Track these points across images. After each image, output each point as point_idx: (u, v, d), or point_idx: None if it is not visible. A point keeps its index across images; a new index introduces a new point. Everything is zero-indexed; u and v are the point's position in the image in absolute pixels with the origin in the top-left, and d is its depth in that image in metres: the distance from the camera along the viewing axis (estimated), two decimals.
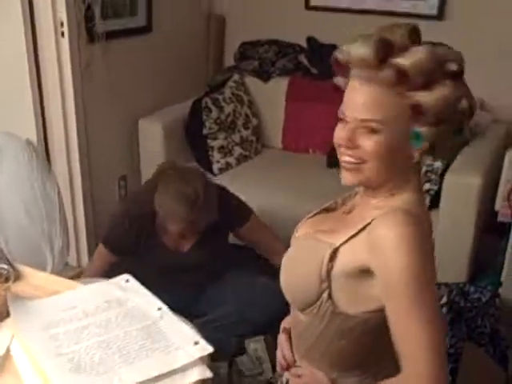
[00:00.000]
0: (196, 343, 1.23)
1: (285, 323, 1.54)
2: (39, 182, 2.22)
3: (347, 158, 1.26)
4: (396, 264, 1.15)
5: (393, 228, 1.17)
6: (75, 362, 1.19)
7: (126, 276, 1.48)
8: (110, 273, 2.37)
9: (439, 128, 1.22)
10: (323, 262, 1.25)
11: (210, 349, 1.22)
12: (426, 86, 1.19)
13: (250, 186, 3.22)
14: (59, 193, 2.27)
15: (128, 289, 1.43)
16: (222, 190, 2.62)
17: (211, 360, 2.36)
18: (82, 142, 3.18)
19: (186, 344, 1.23)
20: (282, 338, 1.51)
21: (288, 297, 1.38)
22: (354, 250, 1.23)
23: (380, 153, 1.22)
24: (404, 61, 1.17)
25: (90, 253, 3.36)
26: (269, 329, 2.47)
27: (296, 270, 1.35)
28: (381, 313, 1.21)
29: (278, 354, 1.51)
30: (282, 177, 3.37)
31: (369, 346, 1.30)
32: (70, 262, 3.35)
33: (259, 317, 2.52)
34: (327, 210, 1.48)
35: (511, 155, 2.85)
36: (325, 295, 1.27)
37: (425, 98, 1.18)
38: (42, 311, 1.35)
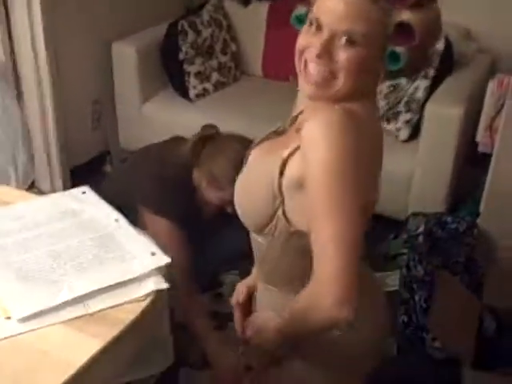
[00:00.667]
0: (153, 254, 1.17)
1: (238, 294, 1.41)
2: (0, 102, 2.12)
3: (318, 71, 1.15)
4: (313, 158, 1.08)
5: (319, 122, 1.09)
6: (23, 271, 1.12)
7: (83, 188, 1.40)
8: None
9: (417, 50, 1.14)
10: (274, 176, 1.17)
11: (166, 259, 1.15)
12: (415, 5, 1.11)
13: (227, 114, 3.13)
14: (21, 109, 2.17)
15: (84, 200, 1.35)
16: None
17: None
18: (52, 65, 3.05)
19: (142, 254, 1.16)
20: (235, 314, 1.39)
21: (244, 220, 1.29)
22: (297, 160, 1.14)
23: (355, 68, 1.13)
24: None
25: (64, 179, 3.28)
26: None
27: (249, 191, 1.27)
28: None
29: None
30: (260, 104, 3.26)
31: None
32: (44, 188, 3.27)
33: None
34: (278, 134, 1.37)
35: (494, 85, 2.78)
36: (279, 213, 1.19)
37: (413, 17, 1.11)
38: None
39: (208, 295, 2.47)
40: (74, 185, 3.21)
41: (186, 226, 2.12)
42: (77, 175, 3.30)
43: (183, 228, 2.11)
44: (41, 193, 3.16)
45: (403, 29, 1.11)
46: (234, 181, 1.79)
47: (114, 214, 1.29)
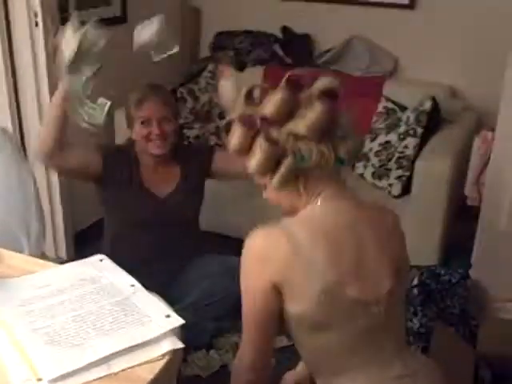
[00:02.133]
0: (167, 316, 1.28)
1: None
2: (15, 170, 2.24)
3: None
4: None
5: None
6: (50, 336, 1.22)
7: (100, 256, 1.52)
8: None
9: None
10: None
11: (180, 321, 1.26)
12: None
13: None
14: (35, 181, 2.29)
15: (102, 267, 1.46)
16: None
17: (190, 351, 2.46)
18: None
19: (157, 316, 1.27)
20: None
21: None
22: None
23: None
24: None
25: (68, 243, 3.38)
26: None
27: None
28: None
29: None
30: None
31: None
32: (48, 252, 3.36)
33: (233, 296, 2.55)
34: None
35: (479, 142, 2.93)
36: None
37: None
38: (18, 289, 1.38)
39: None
40: (78, 249, 3.33)
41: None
42: (81, 239, 3.41)
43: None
44: (48, 259, 3.26)
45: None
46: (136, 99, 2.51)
47: (130, 280, 1.40)
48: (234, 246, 2.78)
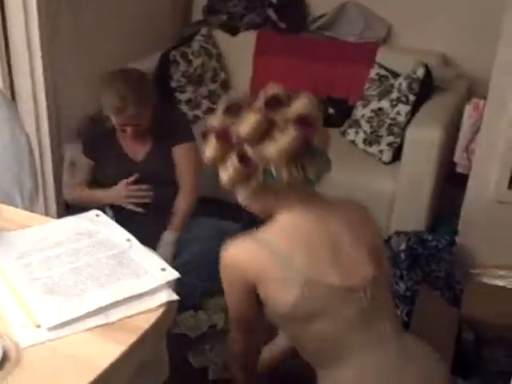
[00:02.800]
0: (163, 269, 1.31)
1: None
2: (8, 127, 2.24)
3: None
4: None
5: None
6: (49, 286, 1.25)
7: (96, 211, 1.54)
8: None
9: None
10: None
11: (176, 274, 1.29)
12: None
13: None
14: (28, 138, 2.29)
15: (98, 222, 1.49)
16: (171, 105, 3.07)
17: (178, 311, 2.50)
18: (49, 98, 3.16)
19: (153, 269, 1.30)
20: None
21: None
22: None
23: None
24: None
25: (58, 201, 3.38)
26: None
27: None
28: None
29: None
30: None
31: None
32: (38, 209, 3.37)
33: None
34: None
35: (470, 109, 2.95)
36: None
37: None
38: (15, 242, 1.40)
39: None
40: (69, 212, 3.35)
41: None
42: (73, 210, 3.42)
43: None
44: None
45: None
46: (111, 106, 2.62)
47: (126, 235, 1.43)
48: (228, 211, 2.84)
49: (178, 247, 2.64)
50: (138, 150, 2.76)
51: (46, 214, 3.39)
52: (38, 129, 3.19)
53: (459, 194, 2.85)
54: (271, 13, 3.80)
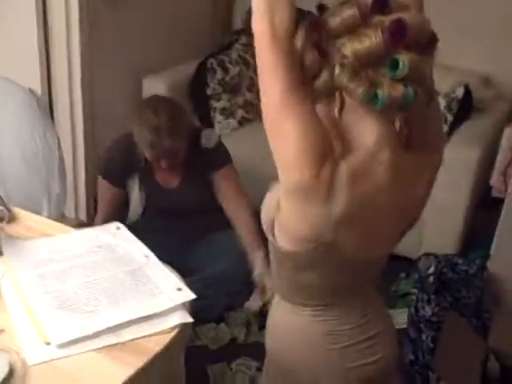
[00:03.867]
0: (179, 289, 1.28)
1: None
2: (40, 131, 2.25)
3: None
4: None
5: None
6: (61, 300, 1.24)
7: (117, 223, 1.53)
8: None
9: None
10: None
11: (191, 295, 1.27)
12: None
13: (250, 149, 3.23)
14: (59, 143, 2.30)
15: (118, 235, 1.47)
16: (205, 130, 2.81)
17: (200, 322, 2.49)
18: (85, 98, 3.19)
19: (169, 289, 1.28)
20: None
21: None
22: None
23: None
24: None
25: (88, 206, 3.41)
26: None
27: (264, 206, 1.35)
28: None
29: None
30: None
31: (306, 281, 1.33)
32: (68, 213, 3.39)
33: (248, 275, 2.57)
34: None
35: (509, 132, 2.88)
36: (275, 230, 1.27)
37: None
38: (33, 251, 1.40)
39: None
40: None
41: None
42: None
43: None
44: (67, 220, 3.31)
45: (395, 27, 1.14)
46: (145, 142, 2.48)
47: (145, 251, 1.41)
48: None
49: (206, 259, 2.62)
50: (170, 179, 2.67)
51: (76, 215, 3.43)
52: (72, 129, 3.23)
53: (493, 219, 2.78)
54: None
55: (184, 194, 2.65)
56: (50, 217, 2.19)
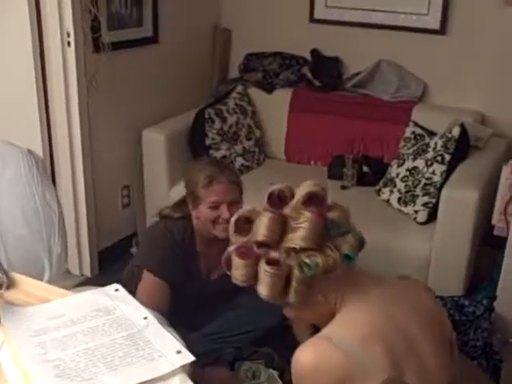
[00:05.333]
0: (178, 352, 1.27)
1: None
2: (39, 190, 2.27)
3: None
4: None
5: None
6: (61, 369, 1.23)
7: (115, 286, 1.53)
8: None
9: None
10: None
11: (191, 358, 1.26)
12: None
13: (251, 196, 3.24)
14: (59, 201, 2.32)
15: (117, 298, 1.47)
16: None
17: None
18: (85, 152, 3.24)
19: (168, 352, 1.27)
20: None
21: None
22: None
23: None
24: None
25: (92, 261, 3.41)
26: (267, 340, 2.53)
27: None
28: None
29: None
30: None
31: None
32: (73, 270, 3.40)
33: (257, 329, 2.55)
34: None
35: (507, 171, 2.88)
36: None
37: None
38: (32, 319, 1.39)
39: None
40: (102, 266, 3.37)
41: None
42: (104, 257, 3.44)
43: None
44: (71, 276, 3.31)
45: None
46: (209, 175, 2.36)
47: (143, 312, 1.41)
48: None
49: (212, 313, 2.57)
50: (214, 267, 2.48)
51: (80, 270, 3.43)
52: (73, 182, 3.26)
53: (497, 258, 2.76)
54: (306, 71, 3.81)
55: (224, 283, 2.49)
56: (52, 276, 2.20)
